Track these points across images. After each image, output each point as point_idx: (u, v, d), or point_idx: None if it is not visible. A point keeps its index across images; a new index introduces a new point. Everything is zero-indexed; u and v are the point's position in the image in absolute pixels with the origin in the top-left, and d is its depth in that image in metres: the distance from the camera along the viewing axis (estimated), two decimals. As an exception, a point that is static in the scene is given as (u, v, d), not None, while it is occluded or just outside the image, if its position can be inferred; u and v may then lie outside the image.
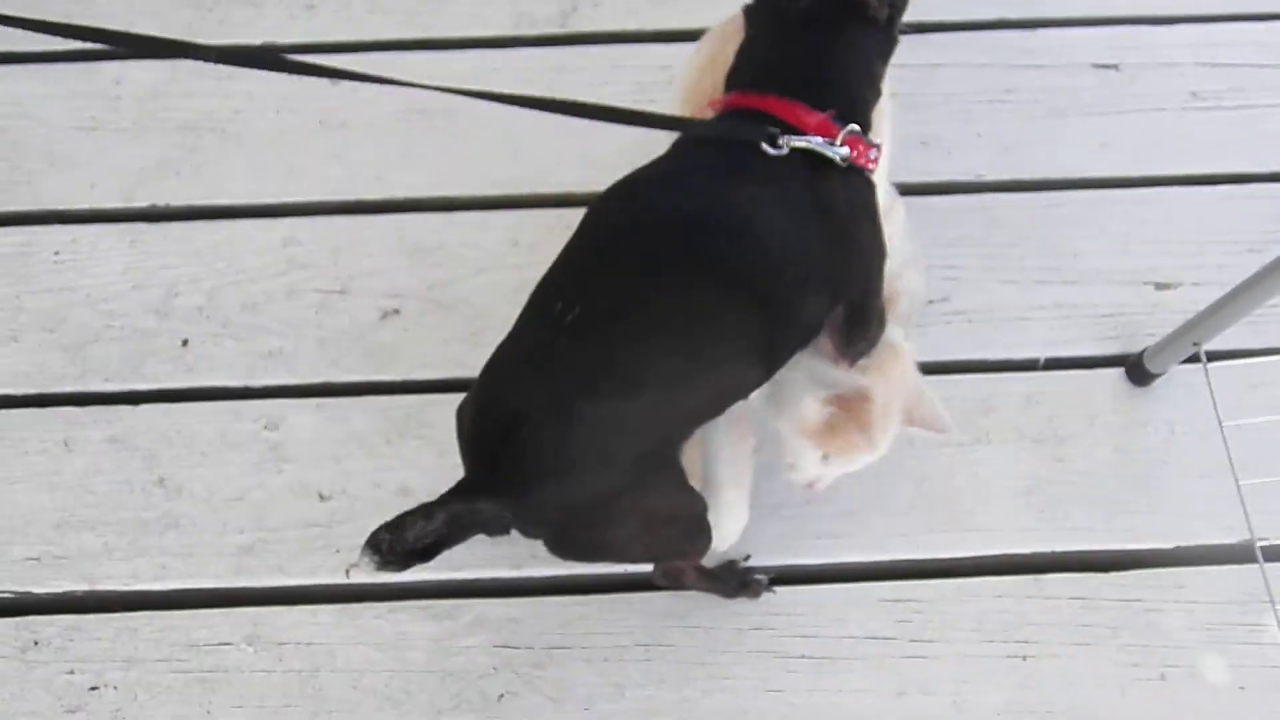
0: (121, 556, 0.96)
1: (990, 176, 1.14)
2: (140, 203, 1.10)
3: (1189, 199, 1.13)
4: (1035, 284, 1.09)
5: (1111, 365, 1.05)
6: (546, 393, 0.68)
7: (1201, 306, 0.99)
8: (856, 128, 0.74)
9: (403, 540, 0.65)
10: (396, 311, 1.05)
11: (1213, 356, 0.99)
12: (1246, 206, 1.13)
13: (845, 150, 0.73)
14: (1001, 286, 1.09)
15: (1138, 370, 1.04)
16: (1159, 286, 1.10)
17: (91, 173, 1.12)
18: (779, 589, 0.95)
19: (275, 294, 1.05)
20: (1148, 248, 1.12)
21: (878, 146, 0.76)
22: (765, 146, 0.73)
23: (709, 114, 0.80)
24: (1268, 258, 0.93)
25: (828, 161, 0.73)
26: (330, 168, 1.11)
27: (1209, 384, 0.97)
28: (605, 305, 0.70)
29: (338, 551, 0.96)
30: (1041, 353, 1.07)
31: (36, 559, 0.96)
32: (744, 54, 0.81)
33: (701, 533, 0.79)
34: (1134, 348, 1.05)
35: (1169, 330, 1.02)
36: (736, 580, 0.96)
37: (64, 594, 0.95)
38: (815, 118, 0.75)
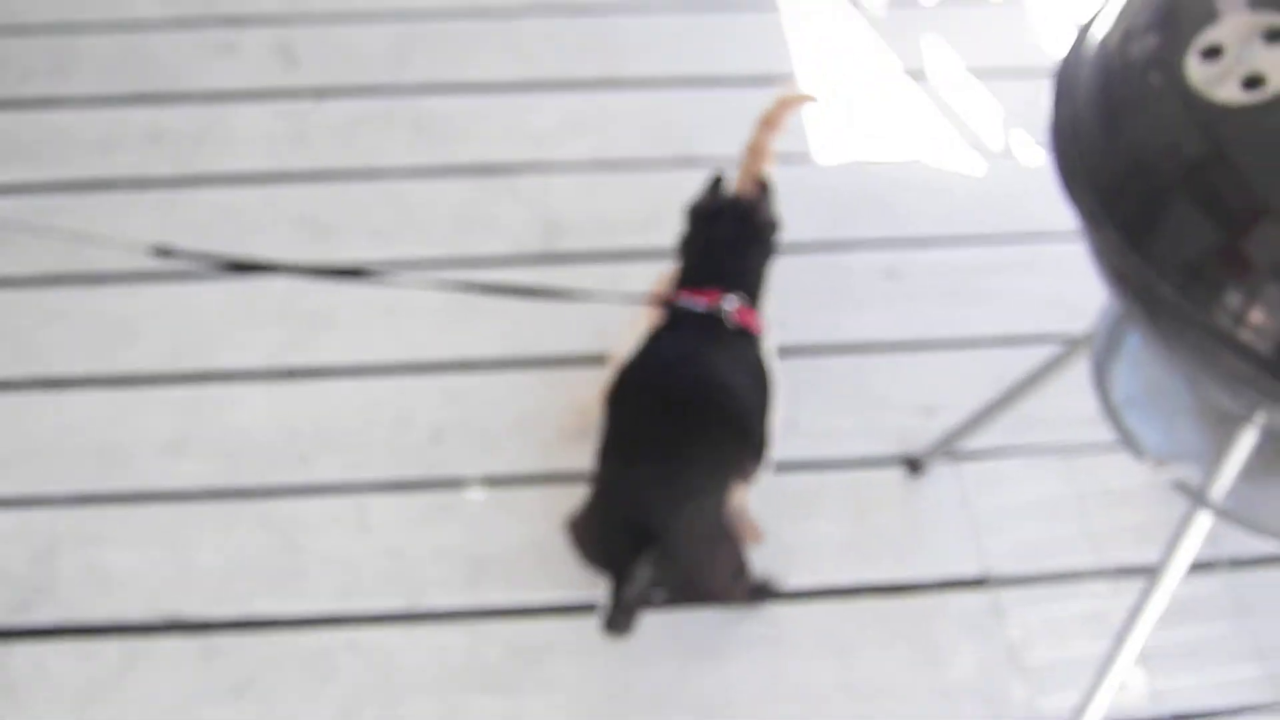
0: None
1: (821, 341, 1.69)
2: (276, 365, 1.63)
3: (944, 357, 1.67)
4: (849, 413, 1.60)
5: (896, 465, 1.56)
6: (653, 506, 1.16)
7: (954, 425, 1.57)
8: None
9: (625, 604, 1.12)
10: (440, 434, 1.58)
11: (964, 456, 1.55)
12: (979, 360, 1.65)
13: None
14: (829, 415, 1.60)
15: (913, 465, 1.57)
16: (927, 412, 1.61)
17: (245, 346, 1.65)
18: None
19: (361, 425, 1.57)
20: (920, 388, 1.63)
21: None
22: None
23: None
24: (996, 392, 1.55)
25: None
26: (394, 342, 1.65)
27: (959, 474, 1.54)
28: (663, 441, 1.20)
29: None
30: (853, 454, 1.58)
31: None
32: (685, 251, 1.37)
33: (747, 565, 1.35)
34: (912, 451, 1.57)
35: (932, 440, 1.57)
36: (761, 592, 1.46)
37: None
38: (734, 304, 1.29)
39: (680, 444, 1.20)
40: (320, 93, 1.96)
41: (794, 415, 1.60)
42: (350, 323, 1.70)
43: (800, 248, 1.77)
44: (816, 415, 1.61)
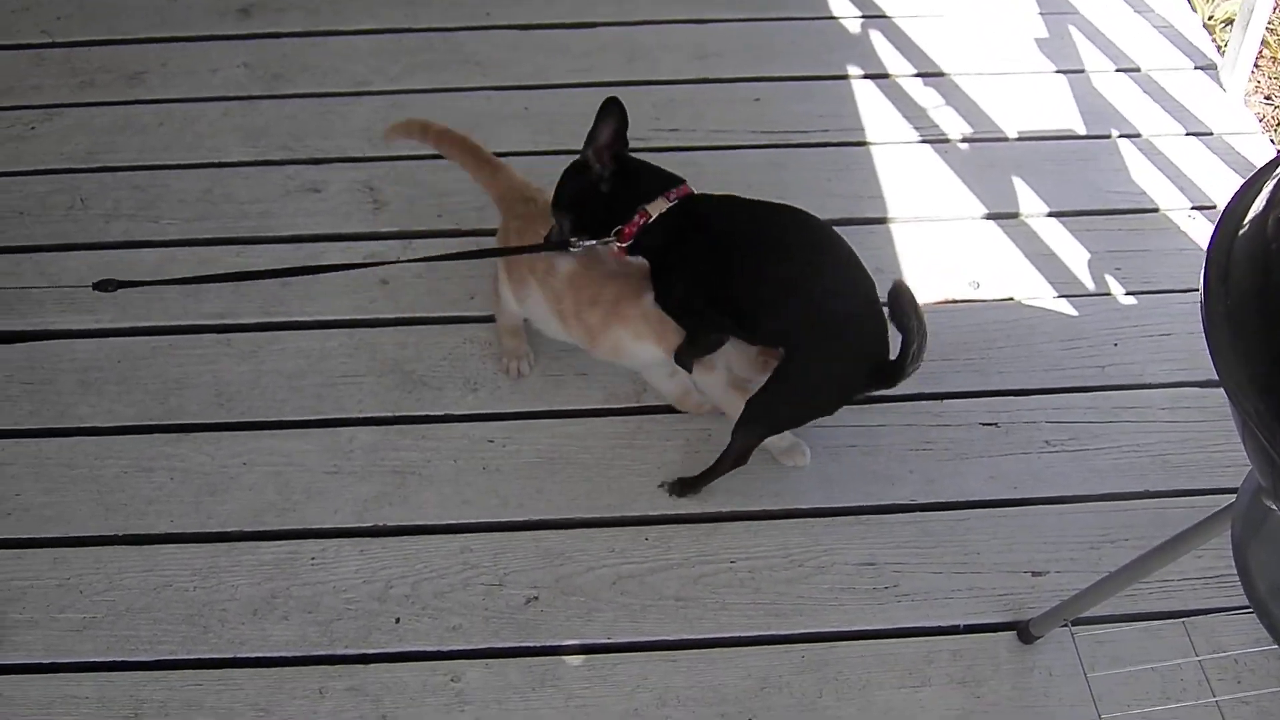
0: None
1: (920, 500, 1.70)
2: (367, 523, 1.64)
3: (1047, 514, 1.67)
4: (953, 574, 1.61)
5: (1006, 629, 1.56)
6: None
7: (1063, 587, 1.57)
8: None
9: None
10: (536, 598, 1.59)
11: (1077, 622, 1.52)
12: (1083, 519, 1.67)
13: None
14: (933, 576, 1.61)
15: (1025, 633, 1.56)
16: (1035, 574, 1.62)
17: (335, 502, 1.66)
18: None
19: (456, 585, 1.59)
20: (1024, 546, 1.64)
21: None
22: None
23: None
24: (1102, 554, 1.55)
25: None
26: (489, 498, 1.67)
27: (1075, 643, 1.51)
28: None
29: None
30: (961, 620, 1.58)
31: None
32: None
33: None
34: (1021, 617, 1.56)
35: (1044, 607, 1.55)
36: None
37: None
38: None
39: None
40: (407, 235, 2.01)
41: (896, 578, 1.62)
42: (443, 477, 1.70)
43: (895, 396, 1.76)
44: (918, 577, 1.61)
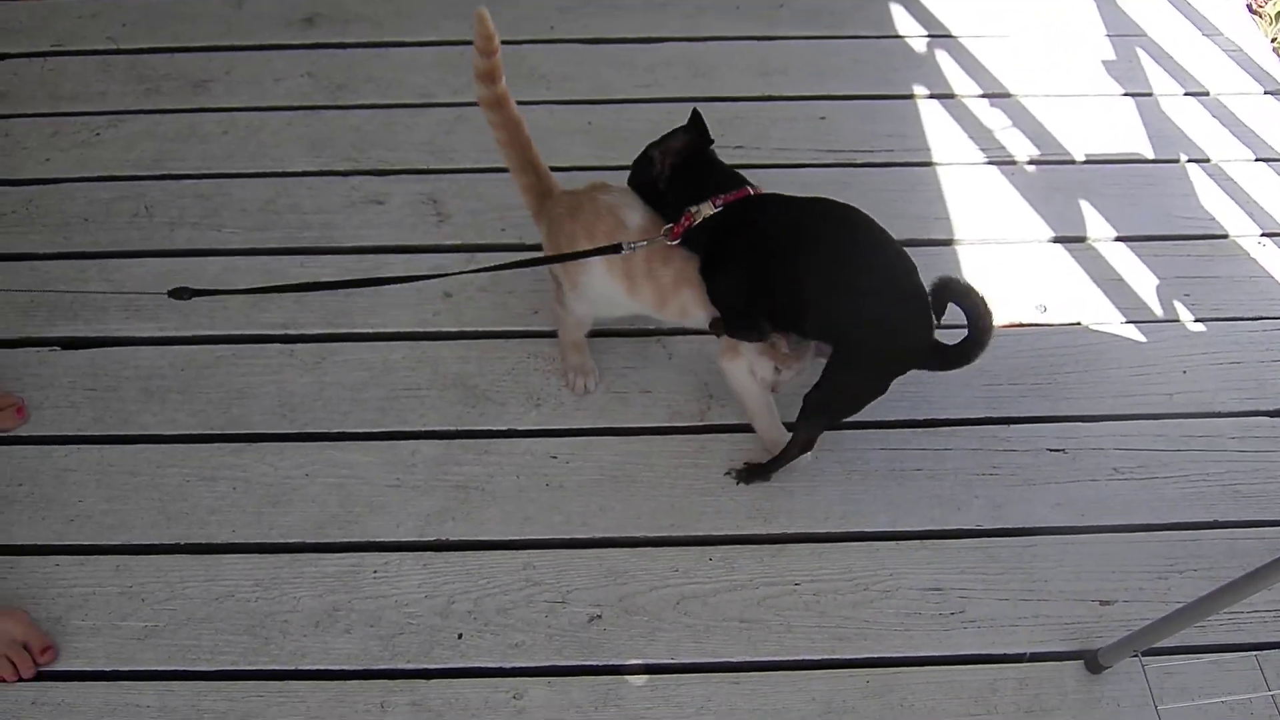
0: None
1: (986, 525, 1.69)
2: (430, 537, 1.65)
3: (1115, 542, 1.66)
4: (1020, 601, 1.60)
5: (1073, 659, 1.55)
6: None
7: (1130, 617, 1.56)
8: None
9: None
10: (599, 615, 1.59)
11: (1146, 653, 1.48)
12: (1151, 548, 1.65)
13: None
14: (999, 603, 1.60)
15: (1092, 663, 1.55)
16: (1103, 603, 1.61)
17: (398, 516, 1.67)
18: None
19: (519, 602, 1.58)
20: (1092, 575, 1.62)
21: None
22: None
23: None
24: (1170, 584, 1.53)
25: None
26: (553, 515, 1.67)
27: (1145, 675, 1.49)
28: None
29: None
30: (1027, 649, 1.57)
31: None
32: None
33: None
34: (1089, 646, 1.55)
35: (1111, 636, 1.53)
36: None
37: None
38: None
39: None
40: (470, 248, 2.01)
41: (962, 604, 1.61)
42: (505, 493, 1.70)
43: (962, 422, 1.78)
44: (985, 603, 1.59)
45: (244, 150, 2.16)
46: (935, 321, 1.50)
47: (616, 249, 1.54)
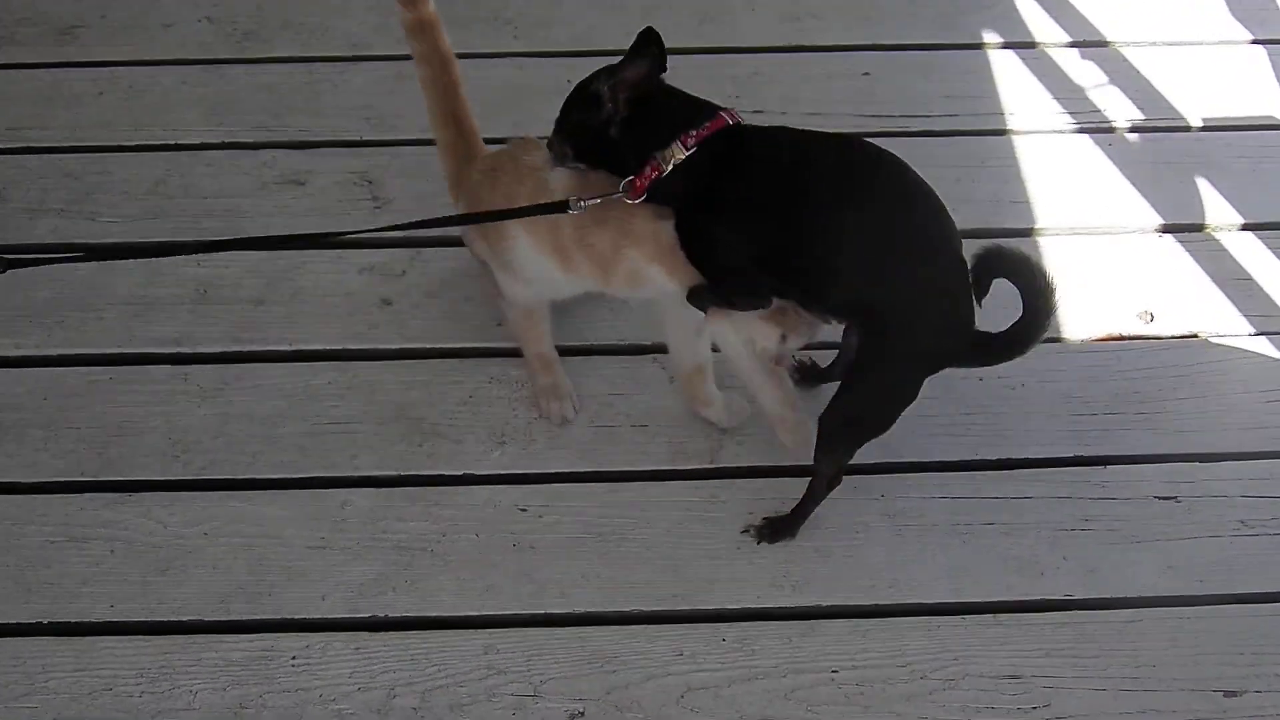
0: None
1: (1077, 595, 1.71)
2: (364, 613, 1.68)
3: (1244, 615, 1.69)
4: (1121, 692, 1.62)
5: None
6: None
7: (1264, 711, 1.58)
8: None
9: None
10: (581, 713, 1.60)
11: None
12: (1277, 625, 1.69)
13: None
14: (1095, 694, 1.61)
15: None
16: (1227, 694, 1.63)
17: (322, 586, 1.70)
18: None
19: (477, 695, 1.61)
20: (1213, 658, 1.65)
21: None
22: None
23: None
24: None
25: None
26: (522, 584, 1.70)
27: None
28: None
29: None
30: None
31: None
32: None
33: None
34: None
35: None
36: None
37: None
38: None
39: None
40: (416, 243, 2.04)
41: (1047, 695, 1.62)
42: (461, 556, 1.72)
43: (1046, 462, 1.81)
44: (1077, 695, 1.62)
45: (125, 117, 2.20)
46: (977, 304, 1.54)
47: (562, 206, 1.56)
